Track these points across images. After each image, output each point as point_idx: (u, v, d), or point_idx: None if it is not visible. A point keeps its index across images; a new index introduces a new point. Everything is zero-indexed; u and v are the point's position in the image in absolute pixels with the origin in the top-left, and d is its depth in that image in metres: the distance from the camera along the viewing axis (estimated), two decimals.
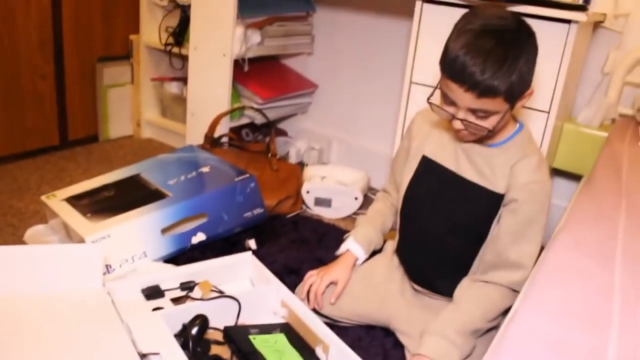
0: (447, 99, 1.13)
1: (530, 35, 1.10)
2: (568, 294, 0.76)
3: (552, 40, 1.52)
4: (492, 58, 1.03)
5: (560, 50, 1.52)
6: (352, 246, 1.41)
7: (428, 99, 1.17)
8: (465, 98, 1.07)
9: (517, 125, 1.23)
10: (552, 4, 1.49)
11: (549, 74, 1.54)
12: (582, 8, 1.50)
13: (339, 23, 2.44)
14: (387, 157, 2.35)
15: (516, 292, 1.18)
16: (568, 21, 1.49)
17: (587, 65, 1.94)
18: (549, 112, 1.59)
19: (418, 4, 1.71)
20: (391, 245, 1.46)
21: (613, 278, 0.77)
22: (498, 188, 1.19)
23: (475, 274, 1.25)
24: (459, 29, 1.10)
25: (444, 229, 1.27)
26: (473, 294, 1.20)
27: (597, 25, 1.87)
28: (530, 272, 1.01)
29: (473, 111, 1.10)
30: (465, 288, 1.23)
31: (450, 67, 1.07)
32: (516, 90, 1.07)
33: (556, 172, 1.99)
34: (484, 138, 1.19)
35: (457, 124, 1.13)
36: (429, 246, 1.30)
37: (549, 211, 1.21)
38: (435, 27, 1.70)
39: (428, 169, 1.30)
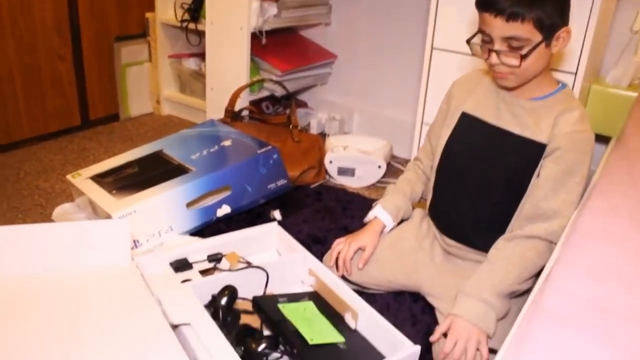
0: (484, 37, 1.17)
1: None
2: (604, 256, 0.74)
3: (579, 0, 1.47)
4: None
5: (587, 10, 1.48)
6: (380, 213, 1.40)
7: (468, 40, 1.21)
8: (496, 25, 1.11)
9: (560, 84, 1.25)
10: None
11: (576, 34, 1.49)
12: None
13: None
14: (409, 125, 2.31)
15: (553, 244, 1.16)
16: None
17: (615, 24, 1.88)
18: (576, 73, 1.56)
19: None
20: (419, 213, 1.45)
21: None
22: (540, 138, 1.19)
23: (512, 230, 1.23)
24: None
25: (483, 182, 1.26)
26: (509, 254, 1.18)
27: None
28: (567, 224, 0.98)
29: (507, 41, 1.12)
30: (500, 248, 1.20)
31: None
32: (546, 21, 1.09)
33: None
34: (522, 85, 1.20)
35: (494, 58, 1.15)
36: (467, 201, 1.29)
37: (591, 164, 1.19)
38: None
39: (468, 124, 1.30)
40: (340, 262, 1.36)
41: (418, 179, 1.46)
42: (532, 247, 1.17)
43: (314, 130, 2.45)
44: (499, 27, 1.11)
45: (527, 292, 1.22)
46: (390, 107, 2.43)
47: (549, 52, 1.16)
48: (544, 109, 1.20)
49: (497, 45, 1.14)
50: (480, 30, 1.17)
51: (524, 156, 1.21)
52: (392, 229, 1.42)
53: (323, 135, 2.41)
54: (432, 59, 1.78)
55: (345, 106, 2.54)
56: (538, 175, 1.20)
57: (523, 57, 1.12)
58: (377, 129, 2.45)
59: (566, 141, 1.16)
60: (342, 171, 2.03)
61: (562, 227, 1.14)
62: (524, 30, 1.10)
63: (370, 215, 1.42)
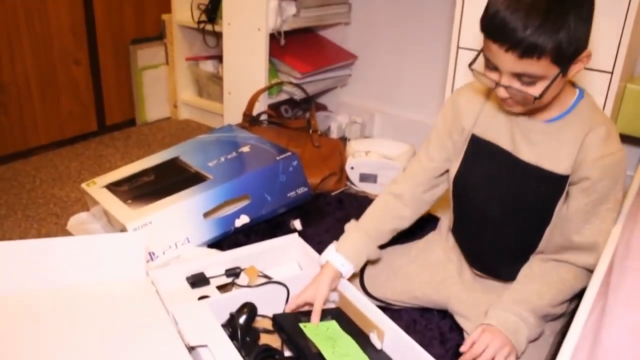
0: (489, 64, 1.01)
1: None
2: None
3: None
4: (534, 11, 0.90)
5: (624, 3, 1.39)
6: (333, 257, 1.21)
7: (470, 65, 1.05)
8: (506, 60, 0.95)
9: (577, 92, 1.09)
10: None
11: (611, 30, 1.41)
12: None
13: None
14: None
15: (590, 271, 1.07)
16: None
17: None
18: (612, 73, 1.46)
19: None
20: (445, 223, 1.37)
21: None
22: (561, 169, 1.07)
23: (544, 253, 1.14)
24: None
25: (503, 214, 1.15)
26: (544, 274, 1.09)
27: None
28: (610, 255, 0.90)
29: (518, 76, 0.97)
30: (534, 268, 1.12)
31: (489, 24, 0.96)
32: (566, 51, 0.93)
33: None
34: (535, 109, 1.06)
35: (501, 92, 1.00)
36: (487, 232, 1.19)
37: (624, 184, 1.08)
38: None
39: (481, 149, 1.17)
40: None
41: (386, 212, 1.28)
42: (568, 270, 1.09)
43: (334, 134, 2.38)
44: (509, 62, 0.95)
45: (561, 315, 1.14)
46: (413, 110, 2.36)
47: (565, 79, 1.01)
48: (564, 131, 1.06)
49: (505, 80, 0.98)
50: (486, 56, 1.01)
51: (545, 187, 1.09)
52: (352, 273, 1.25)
53: (344, 140, 2.35)
54: (458, 59, 1.70)
55: (365, 109, 2.47)
56: (565, 201, 1.09)
57: (537, 98, 0.97)
58: (400, 132, 2.38)
59: (596, 170, 1.03)
60: (364, 177, 1.96)
61: (598, 258, 1.03)
62: (540, 66, 0.94)
63: (322, 259, 1.24)
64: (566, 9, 0.91)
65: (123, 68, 2.49)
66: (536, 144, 1.09)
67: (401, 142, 2.11)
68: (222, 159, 1.68)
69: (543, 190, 1.10)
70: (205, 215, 1.53)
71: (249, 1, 2.08)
